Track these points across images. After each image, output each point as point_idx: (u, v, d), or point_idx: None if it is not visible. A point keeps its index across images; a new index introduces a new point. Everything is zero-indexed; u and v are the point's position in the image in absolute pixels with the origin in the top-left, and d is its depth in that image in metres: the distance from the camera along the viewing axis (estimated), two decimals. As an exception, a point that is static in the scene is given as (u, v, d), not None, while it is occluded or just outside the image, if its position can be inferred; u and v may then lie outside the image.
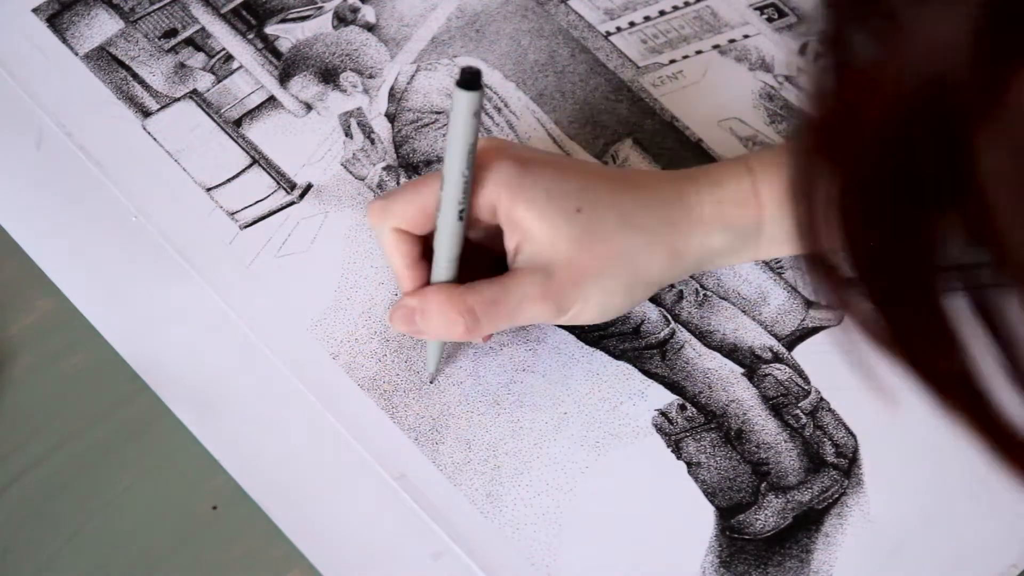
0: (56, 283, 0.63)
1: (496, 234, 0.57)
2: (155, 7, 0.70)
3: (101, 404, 0.61)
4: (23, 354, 0.62)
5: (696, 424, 0.61)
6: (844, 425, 0.61)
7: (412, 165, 0.66)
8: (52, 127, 0.66)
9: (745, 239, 0.58)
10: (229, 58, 0.69)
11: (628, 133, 0.68)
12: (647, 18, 0.71)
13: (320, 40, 0.70)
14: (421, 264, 0.56)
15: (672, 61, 0.70)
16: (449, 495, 0.59)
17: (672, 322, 0.63)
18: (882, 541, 0.58)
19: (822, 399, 0.61)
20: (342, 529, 0.58)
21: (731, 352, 0.62)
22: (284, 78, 0.69)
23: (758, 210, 0.57)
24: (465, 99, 0.50)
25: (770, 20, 0.71)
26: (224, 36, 0.70)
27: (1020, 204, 0.31)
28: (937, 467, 0.60)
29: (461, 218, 0.54)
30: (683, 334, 0.63)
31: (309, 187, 0.66)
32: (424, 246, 0.56)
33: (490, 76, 0.69)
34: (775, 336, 0.63)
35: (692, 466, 0.60)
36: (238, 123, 0.67)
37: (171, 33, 0.70)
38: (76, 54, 0.68)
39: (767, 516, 0.59)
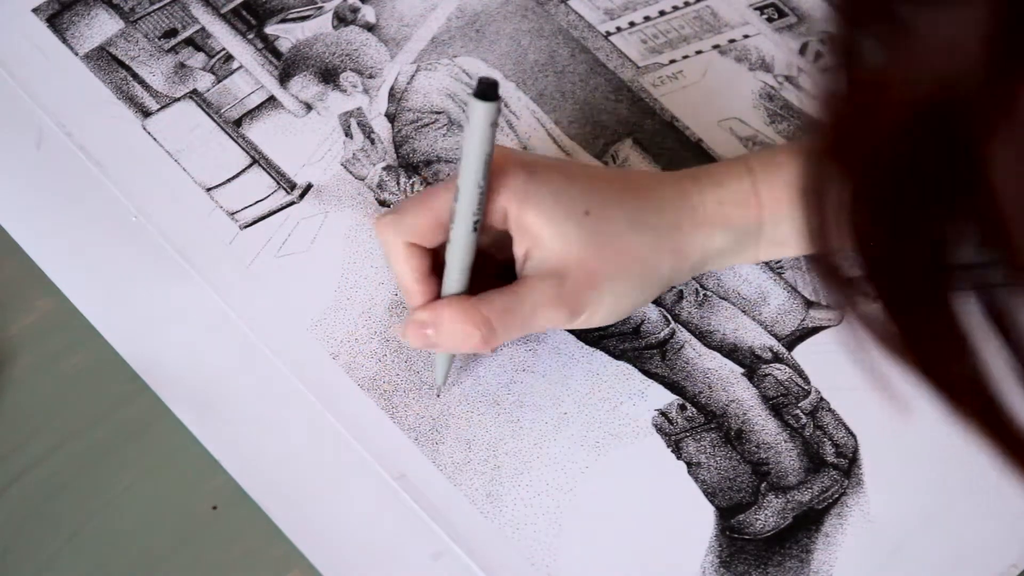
0: (56, 283, 0.63)
1: (502, 240, 0.57)
2: (155, 7, 0.70)
3: (101, 404, 0.61)
4: (23, 354, 0.62)
5: (696, 424, 0.61)
6: (844, 425, 0.61)
7: (412, 165, 0.66)
8: (52, 127, 0.66)
9: (745, 239, 0.58)
10: (229, 58, 0.69)
11: (628, 133, 0.68)
12: (647, 18, 0.71)
13: (320, 40, 0.70)
14: (431, 278, 0.56)
15: (672, 61, 0.70)
16: (449, 495, 0.59)
17: (672, 322, 0.63)
18: (882, 541, 0.58)
19: (822, 399, 0.61)
20: (342, 529, 0.58)
21: (731, 352, 0.62)
22: (284, 78, 0.69)
23: (758, 210, 0.57)
24: (482, 110, 0.50)
25: (770, 20, 0.71)
26: (224, 36, 0.70)
27: None
28: (937, 467, 0.60)
29: (476, 229, 0.54)
30: (683, 334, 0.63)
31: (309, 187, 0.66)
32: (434, 259, 0.56)
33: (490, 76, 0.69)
34: (775, 336, 0.63)
35: (692, 466, 0.60)
36: (238, 123, 0.67)
37: (171, 33, 0.70)
38: (76, 54, 0.68)
39: (767, 516, 0.59)
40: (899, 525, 0.59)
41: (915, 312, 0.35)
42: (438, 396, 0.60)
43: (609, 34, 0.70)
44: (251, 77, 0.69)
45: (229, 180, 0.66)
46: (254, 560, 0.58)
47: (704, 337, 0.63)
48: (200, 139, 0.67)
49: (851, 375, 0.61)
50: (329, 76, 0.69)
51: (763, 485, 0.60)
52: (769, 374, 0.62)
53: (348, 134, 0.67)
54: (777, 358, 0.62)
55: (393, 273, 0.57)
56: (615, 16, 0.71)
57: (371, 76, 0.69)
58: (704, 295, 0.64)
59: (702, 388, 0.62)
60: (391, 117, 0.68)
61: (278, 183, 0.66)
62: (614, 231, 0.55)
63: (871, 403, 0.61)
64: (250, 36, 0.70)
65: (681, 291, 0.64)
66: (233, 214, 0.65)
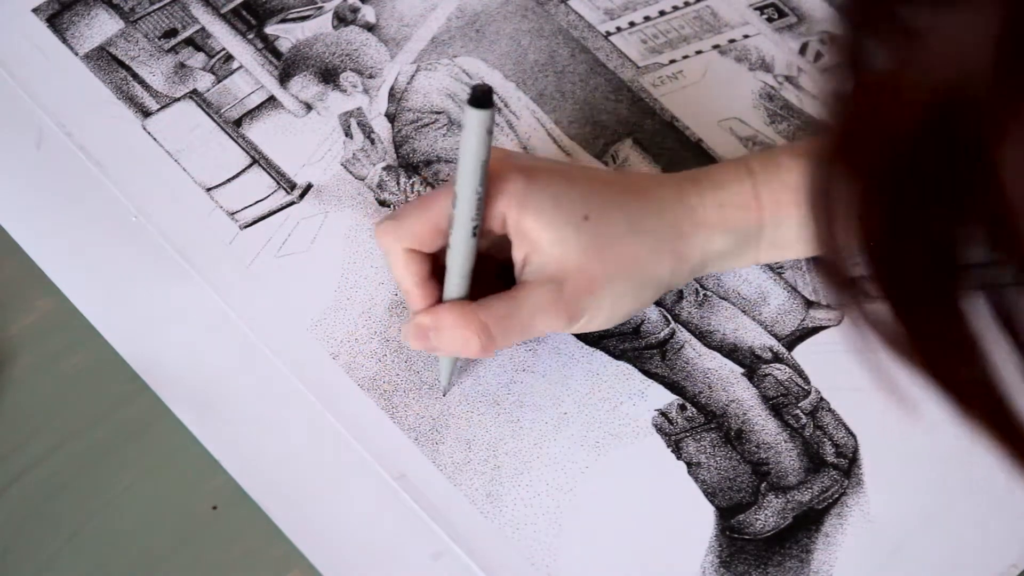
0: (56, 283, 0.63)
1: (501, 243, 0.56)
2: (155, 7, 0.70)
3: (101, 404, 0.61)
4: (23, 354, 0.62)
5: (696, 424, 0.61)
6: (844, 425, 0.61)
7: (412, 165, 0.66)
8: (52, 127, 0.66)
9: (746, 242, 0.58)
10: (229, 58, 0.69)
11: (628, 133, 0.68)
12: (647, 18, 0.71)
13: (320, 40, 0.70)
14: (431, 282, 0.56)
15: (672, 61, 0.70)
16: (449, 495, 0.59)
17: (672, 322, 0.63)
18: (882, 541, 0.58)
19: (822, 399, 0.61)
20: (342, 529, 0.58)
21: (731, 352, 0.62)
22: (284, 78, 0.69)
23: (759, 213, 0.57)
24: (477, 117, 0.50)
25: (770, 20, 0.71)
26: (224, 36, 0.70)
27: None
28: (937, 467, 0.60)
29: (475, 235, 0.54)
30: (683, 334, 0.63)
31: (309, 187, 0.66)
32: (434, 264, 0.56)
33: (490, 76, 0.69)
34: (775, 336, 0.63)
35: (692, 466, 0.60)
36: (238, 123, 0.67)
37: (171, 33, 0.70)
38: (76, 54, 0.68)
39: (767, 516, 0.59)
40: (899, 525, 0.59)
41: (923, 313, 0.35)
42: (444, 396, 0.60)
43: (609, 34, 0.70)
44: (251, 77, 0.69)
45: (229, 180, 0.66)
46: (254, 560, 0.58)
47: (704, 337, 0.63)
48: (200, 139, 0.67)
49: (851, 375, 0.62)
50: (329, 76, 0.69)
51: (763, 485, 0.60)
52: (769, 374, 0.62)
53: (348, 134, 0.67)
54: (777, 358, 0.62)
55: (394, 278, 0.57)
56: (615, 16, 0.71)
57: (371, 76, 0.69)
58: (704, 295, 0.64)
59: (702, 388, 0.62)
60: (391, 117, 0.68)
61: (278, 183, 0.66)
62: (613, 234, 0.55)
63: (871, 403, 0.61)
64: (250, 36, 0.70)
65: (681, 291, 0.64)
66: (233, 214, 0.65)
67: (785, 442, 0.60)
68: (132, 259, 0.64)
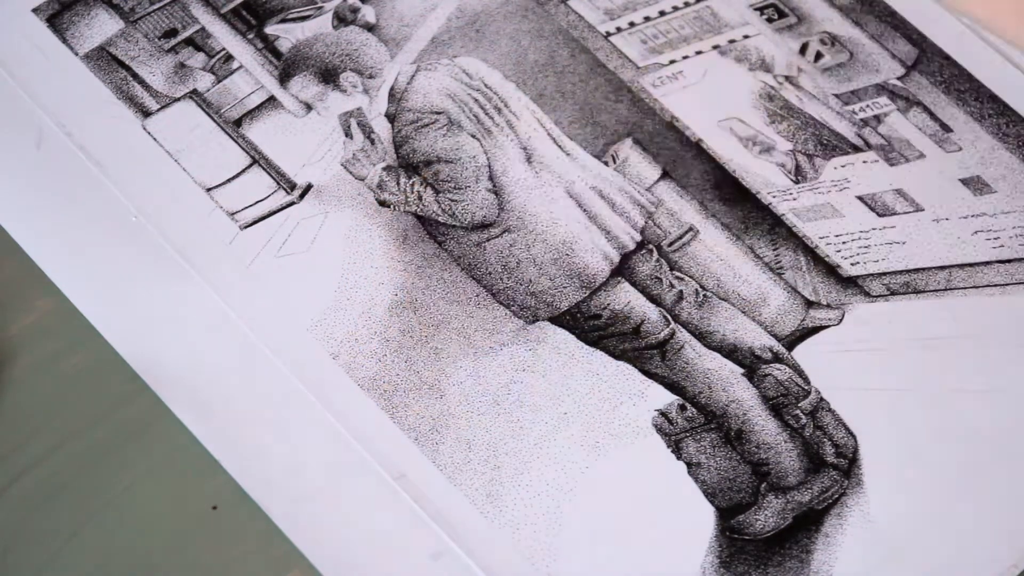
0: (56, 283, 0.63)
1: None
2: (155, 7, 0.70)
3: (101, 404, 0.61)
4: (23, 354, 0.62)
5: (696, 424, 0.61)
6: (844, 425, 0.61)
7: (412, 165, 0.66)
8: (52, 127, 0.66)
9: None
10: (229, 58, 0.69)
11: (628, 133, 0.68)
12: (647, 18, 0.71)
13: (320, 40, 0.70)
14: None
15: (672, 61, 0.70)
16: (449, 495, 0.59)
17: (672, 322, 0.63)
18: (882, 541, 0.58)
19: (822, 399, 0.61)
20: (342, 529, 0.58)
21: (731, 352, 0.62)
22: (284, 78, 0.69)
23: None
24: None
25: (770, 20, 0.71)
26: (224, 36, 0.70)
27: None
28: (937, 467, 0.60)
29: None
30: (683, 334, 0.63)
31: (309, 187, 0.66)
32: None
33: (490, 76, 0.69)
34: (775, 336, 0.63)
35: (692, 466, 0.60)
36: (238, 123, 0.67)
37: (171, 33, 0.70)
38: (76, 54, 0.68)
39: (767, 516, 0.59)
40: (899, 525, 0.59)
41: None
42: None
43: (609, 34, 0.70)
44: (251, 77, 0.69)
45: (229, 180, 0.66)
46: (254, 560, 0.58)
47: (704, 337, 0.63)
48: (200, 139, 0.67)
49: (851, 375, 0.62)
50: (329, 76, 0.69)
51: (763, 485, 0.60)
52: (769, 374, 0.62)
53: (348, 134, 0.67)
54: (777, 358, 0.62)
55: None
56: (615, 16, 0.71)
57: (371, 76, 0.69)
58: (704, 296, 0.64)
59: (702, 388, 0.62)
60: (391, 117, 0.68)
61: (278, 183, 0.66)
62: None
63: (871, 403, 0.61)
64: (250, 36, 0.70)
65: (681, 291, 0.64)
66: (233, 214, 0.65)
67: (785, 442, 0.60)
68: (132, 259, 0.64)
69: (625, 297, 0.63)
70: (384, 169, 0.66)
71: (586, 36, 0.70)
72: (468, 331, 0.62)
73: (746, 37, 0.70)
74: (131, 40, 0.69)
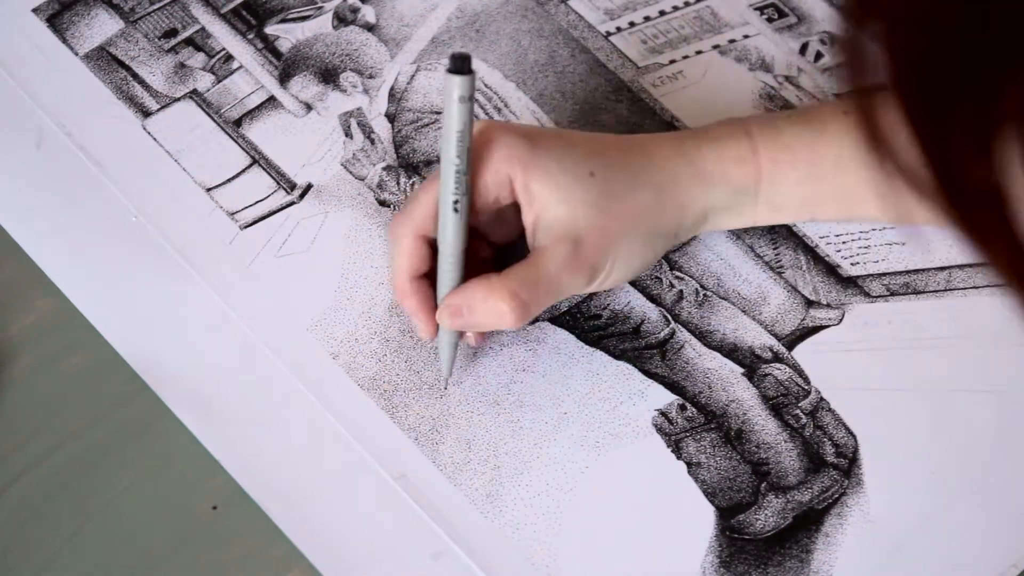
0: (56, 283, 0.63)
1: (498, 221, 0.57)
2: (155, 7, 0.70)
3: (101, 404, 0.61)
4: (23, 354, 0.62)
5: (696, 424, 0.61)
6: (844, 425, 0.61)
7: (412, 165, 0.66)
8: (52, 127, 0.66)
9: (743, 198, 0.59)
10: (229, 58, 0.69)
11: (628, 133, 0.68)
12: (647, 18, 0.71)
13: (320, 40, 0.70)
14: (424, 282, 0.57)
15: (672, 61, 0.70)
16: (449, 495, 0.59)
17: (672, 322, 0.63)
18: (882, 541, 0.58)
19: (822, 399, 0.61)
20: (342, 529, 0.58)
21: (731, 352, 0.62)
22: (284, 78, 0.69)
23: (756, 169, 0.59)
24: (454, 84, 0.51)
25: (770, 20, 0.71)
26: (224, 36, 0.70)
27: None
28: (937, 467, 0.60)
29: (456, 210, 0.54)
30: (683, 334, 0.63)
31: (309, 187, 0.66)
32: (434, 266, 0.57)
33: (490, 76, 0.69)
34: (775, 336, 0.63)
35: (692, 466, 0.60)
36: (238, 123, 0.67)
37: (171, 33, 0.70)
38: (76, 54, 0.68)
39: (767, 516, 0.59)
40: (899, 525, 0.59)
41: (952, 149, 0.32)
42: (445, 388, 0.60)
43: (609, 34, 0.70)
44: (251, 77, 0.69)
45: (229, 180, 0.66)
46: (254, 560, 0.58)
47: (704, 337, 0.63)
48: (200, 139, 0.67)
49: (851, 375, 0.62)
50: (329, 76, 0.69)
51: (763, 485, 0.60)
52: (769, 374, 0.62)
53: (348, 134, 0.67)
54: (777, 358, 0.62)
55: (392, 270, 0.58)
56: (615, 16, 0.71)
57: (371, 76, 0.69)
58: (704, 295, 0.64)
59: (702, 388, 0.62)
60: (391, 117, 0.68)
61: (278, 183, 0.66)
62: (619, 189, 0.57)
63: (871, 403, 0.61)
64: (250, 36, 0.70)
65: (681, 291, 0.64)
66: (233, 214, 0.65)
67: (785, 442, 0.60)
68: (132, 259, 0.63)
69: (625, 297, 0.63)
70: (384, 169, 0.66)
71: (586, 36, 0.70)
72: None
73: (746, 37, 0.70)
74: (131, 40, 0.69)
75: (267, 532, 0.58)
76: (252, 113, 0.68)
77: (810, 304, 0.64)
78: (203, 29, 0.70)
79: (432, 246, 0.56)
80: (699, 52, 0.70)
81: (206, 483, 0.59)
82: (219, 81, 0.68)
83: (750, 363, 0.62)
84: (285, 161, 0.66)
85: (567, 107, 0.68)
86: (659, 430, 0.60)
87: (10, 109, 0.67)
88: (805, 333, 0.63)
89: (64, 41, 0.69)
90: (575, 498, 0.59)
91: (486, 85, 0.68)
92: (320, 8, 0.71)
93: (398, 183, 0.66)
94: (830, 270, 0.64)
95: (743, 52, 0.70)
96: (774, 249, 0.65)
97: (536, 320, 0.62)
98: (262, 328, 0.62)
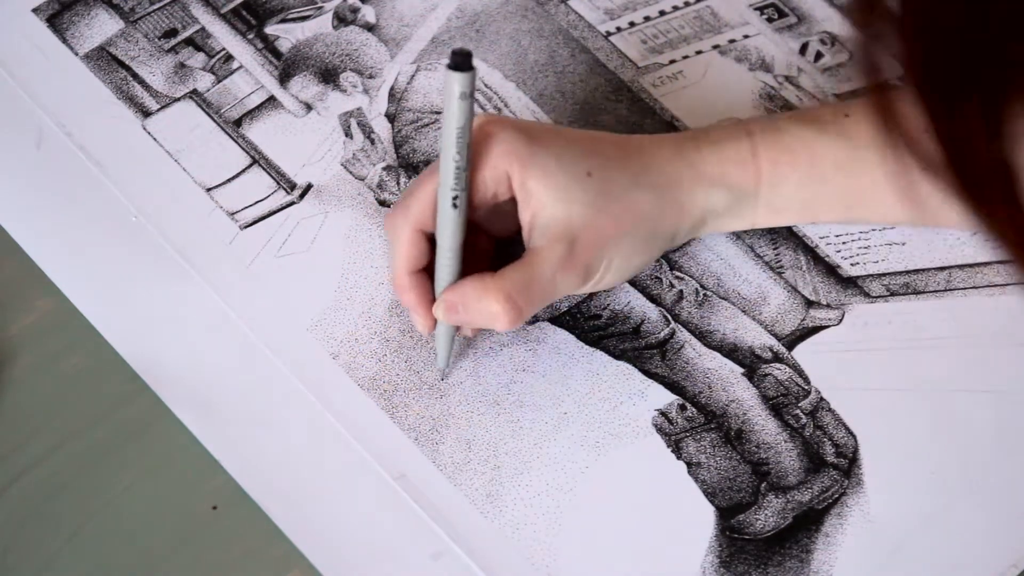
0: (56, 283, 0.63)
1: (496, 214, 0.57)
2: (155, 7, 0.70)
3: (101, 404, 0.61)
4: (23, 354, 0.62)
5: (696, 424, 0.61)
6: (844, 425, 0.61)
7: (412, 165, 0.66)
8: (52, 127, 0.66)
9: (744, 201, 0.59)
10: (229, 58, 0.69)
11: (628, 133, 0.68)
12: (647, 18, 0.71)
13: (320, 40, 0.70)
14: (422, 276, 0.57)
15: (672, 61, 0.70)
16: (449, 495, 0.59)
17: (672, 322, 0.63)
18: (882, 541, 0.58)
19: (822, 399, 0.61)
20: (342, 529, 0.58)
21: (731, 352, 0.62)
22: (284, 78, 0.69)
23: (756, 171, 0.59)
24: (454, 81, 0.51)
25: (770, 20, 0.71)
26: (224, 36, 0.70)
27: None
28: (937, 467, 0.60)
29: (455, 206, 0.54)
30: (683, 334, 0.63)
31: (309, 187, 0.66)
32: (431, 262, 0.57)
33: (490, 76, 0.69)
34: (775, 336, 0.63)
35: (692, 466, 0.60)
36: (238, 123, 0.67)
37: (171, 33, 0.70)
38: (76, 54, 0.68)
39: (767, 516, 0.59)
40: (899, 525, 0.59)
41: (960, 123, 0.31)
42: (442, 380, 0.60)
43: (609, 34, 0.70)
44: (251, 77, 0.69)
45: (229, 180, 0.66)
46: (254, 560, 0.58)
47: (704, 337, 0.63)
48: (200, 139, 0.67)
49: (851, 375, 0.62)
50: (329, 76, 0.69)
51: (763, 485, 0.60)
52: (769, 374, 0.62)
53: (348, 134, 0.67)
54: (777, 358, 0.62)
55: (390, 264, 0.58)
56: (615, 16, 0.71)
57: (371, 76, 0.69)
58: (704, 295, 0.64)
59: (702, 388, 0.61)
60: (391, 117, 0.68)
61: (278, 183, 0.66)
62: (617, 189, 0.56)
63: (871, 403, 0.61)
64: (250, 36, 0.70)
65: (681, 291, 0.64)
66: (233, 214, 0.65)
67: (785, 442, 0.60)
68: (132, 259, 0.63)
69: (625, 297, 0.63)
70: (384, 169, 0.66)
71: (586, 36, 0.70)
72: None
73: (746, 37, 0.70)
74: (131, 40, 0.69)
75: (267, 532, 0.58)
76: (252, 113, 0.68)
77: (810, 304, 0.64)
78: (203, 29, 0.70)
79: (431, 240, 0.56)
80: (699, 52, 0.70)
81: (206, 483, 0.59)
82: (219, 81, 0.68)
83: (750, 363, 0.62)
84: (285, 161, 0.66)
85: (567, 107, 0.68)
86: (659, 430, 0.60)
87: (10, 109, 0.67)
88: (805, 333, 0.63)
89: (64, 41, 0.69)
90: (575, 498, 0.59)
91: (486, 85, 0.68)
92: (320, 8, 0.71)
93: (398, 183, 0.66)
94: (830, 270, 0.64)
95: (743, 52, 0.70)
96: (774, 249, 0.65)
97: (536, 320, 0.62)
98: (262, 328, 0.62)
